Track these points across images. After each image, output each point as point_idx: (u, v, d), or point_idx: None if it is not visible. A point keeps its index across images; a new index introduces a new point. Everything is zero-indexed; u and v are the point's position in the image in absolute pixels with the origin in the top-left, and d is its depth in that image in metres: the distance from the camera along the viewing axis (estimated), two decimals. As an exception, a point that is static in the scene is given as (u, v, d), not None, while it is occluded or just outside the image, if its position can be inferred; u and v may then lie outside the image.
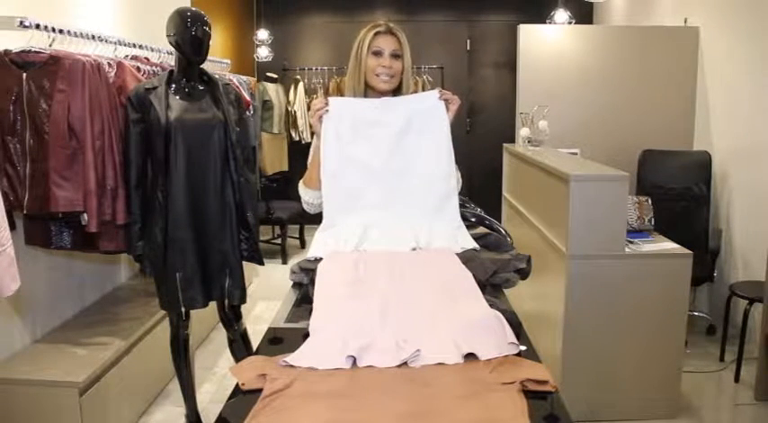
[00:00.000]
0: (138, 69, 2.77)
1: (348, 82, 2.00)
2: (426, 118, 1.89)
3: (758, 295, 3.13)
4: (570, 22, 5.21)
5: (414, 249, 1.81)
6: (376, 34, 1.92)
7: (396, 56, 1.92)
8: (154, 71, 2.89)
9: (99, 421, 2.57)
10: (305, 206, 2.03)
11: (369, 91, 1.98)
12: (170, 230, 2.45)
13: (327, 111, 1.88)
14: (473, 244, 1.85)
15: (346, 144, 1.88)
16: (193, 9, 2.49)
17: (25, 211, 2.40)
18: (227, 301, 2.63)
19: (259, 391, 1.17)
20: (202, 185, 2.47)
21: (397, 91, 1.98)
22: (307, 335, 1.37)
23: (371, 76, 1.94)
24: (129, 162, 2.46)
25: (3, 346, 2.60)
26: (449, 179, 1.92)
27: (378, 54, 1.92)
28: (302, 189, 2.01)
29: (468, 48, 6.87)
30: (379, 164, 1.88)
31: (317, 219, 2.00)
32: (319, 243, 1.86)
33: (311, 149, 2.03)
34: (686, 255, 2.90)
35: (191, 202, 2.46)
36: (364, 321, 1.37)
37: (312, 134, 2.04)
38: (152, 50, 3.17)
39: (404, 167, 1.89)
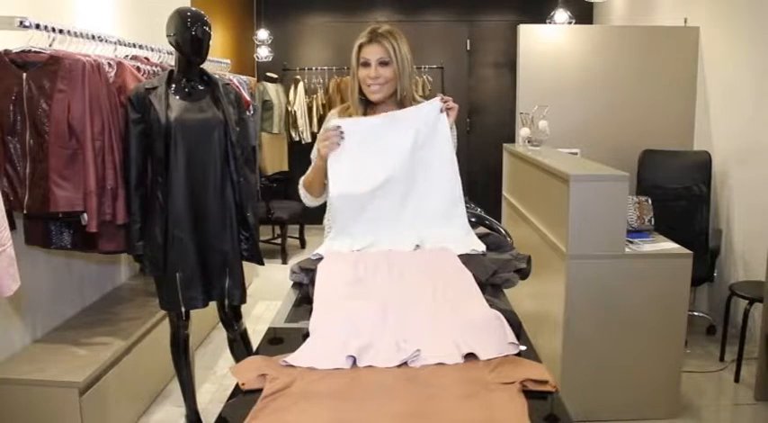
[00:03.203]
0: (138, 69, 2.77)
1: (350, 96, 2.03)
2: (430, 130, 1.91)
3: (758, 295, 3.13)
4: (570, 22, 5.21)
5: (417, 246, 1.82)
6: (360, 46, 1.93)
7: (383, 63, 1.91)
8: (154, 71, 2.89)
9: (99, 421, 2.57)
10: (303, 201, 2.08)
11: (367, 101, 2.00)
12: (170, 230, 2.45)
13: (339, 143, 1.88)
14: (482, 247, 1.85)
15: (355, 163, 1.89)
16: (193, 9, 2.49)
17: (25, 211, 2.40)
18: (227, 301, 2.63)
19: (259, 391, 1.17)
20: (202, 185, 2.47)
21: (394, 96, 1.98)
22: (307, 335, 1.37)
23: (364, 87, 1.96)
24: (129, 162, 2.46)
25: (3, 346, 2.60)
26: (454, 187, 1.93)
27: (365, 65, 1.93)
28: (302, 191, 2.05)
29: (468, 48, 6.87)
30: (386, 178, 1.89)
31: (317, 219, 2.00)
32: (324, 247, 1.88)
33: (314, 150, 2.02)
34: (686, 255, 2.90)
35: (191, 202, 2.46)
36: (364, 321, 1.37)
37: (312, 135, 2.05)
38: (152, 50, 3.18)
39: (410, 179, 1.90)
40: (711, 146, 4.16)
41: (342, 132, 1.88)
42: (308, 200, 2.04)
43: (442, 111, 1.91)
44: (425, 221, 1.90)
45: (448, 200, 1.93)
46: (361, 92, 1.97)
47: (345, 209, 1.90)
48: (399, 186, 1.89)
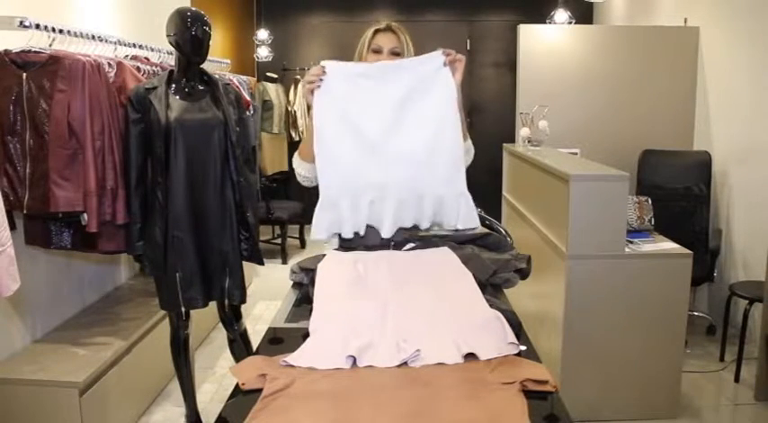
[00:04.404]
0: (138, 69, 2.77)
1: None
2: (429, 84, 1.77)
3: (758, 295, 3.13)
4: (570, 22, 5.21)
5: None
6: (376, 32, 1.94)
7: (395, 54, 1.92)
8: (154, 71, 2.89)
9: (99, 421, 2.57)
10: (299, 178, 1.95)
11: None
12: (170, 230, 2.44)
13: (320, 84, 1.78)
14: (475, 221, 1.80)
15: (341, 112, 1.78)
16: (193, 9, 2.50)
17: (25, 211, 2.40)
18: (227, 301, 2.63)
19: (259, 391, 1.17)
20: (202, 185, 2.47)
21: None
22: (307, 335, 1.37)
23: None
24: (129, 162, 2.46)
25: (3, 346, 2.60)
26: (454, 149, 1.80)
27: (377, 52, 1.92)
28: (296, 161, 1.94)
29: (468, 48, 6.87)
30: (378, 134, 1.77)
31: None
32: (320, 225, 1.79)
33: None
34: (686, 255, 2.90)
35: (191, 202, 2.46)
36: (364, 321, 1.37)
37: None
38: (152, 50, 3.17)
39: (406, 138, 1.78)
40: (711, 146, 4.16)
41: (324, 70, 1.79)
42: (302, 168, 1.91)
43: (445, 64, 1.79)
44: (421, 186, 1.79)
45: (447, 162, 1.79)
46: None
47: (332, 166, 1.78)
48: (394, 147, 1.77)
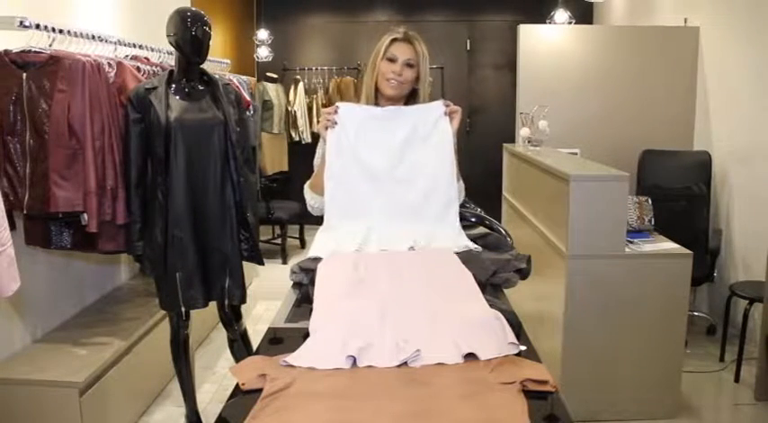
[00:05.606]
0: (138, 69, 2.77)
1: (363, 86, 2.04)
2: (430, 129, 1.93)
3: (758, 295, 3.13)
4: (570, 22, 5.21)
5: (412, 248, 1.82)
6: (393, 41, 1.95)
7: (409, 65, 1.94)
8: (154, 71, 2.89)
9: (99, 421, 2.57)
10: (309, 209, 2.05)
11: (379, 96, 2.00)
12: (170, 230, 2.45)
13: (336, 123, 1.92)
14: (473, 245, 1.86)
15: (350, 149, 1.92)
16: (193, 9, 2.50)
17: (25, 211, 2.41)
18: (227, 301, 2.63)
19: (259, 391, 1.17)
20: (202, 185, 2.47)
21: (409, 99, 2.00)
22: (307, 335, 1.37)
23: (382, 81, 1.96)
24: (129, 162, 2.46)
25: (3, 346, 2.60)
26: (449, 189, 1.94)
27: (392, 60, 1.94)
28: (308, 193, 2.04)
29: (468, 48, 6.87)
30: (381, 171, 1.92)
31: (317, 219, 2.00)
32: (319, 244, 1.87)
33: (317, 153, 2.03)
34: (686, 255, 2.90)
35: (191, 202, 2.46)
36: (364, 321, 1.37)
37: (313, 135, 2.06)
38: (152, 50, 3.17)
39: (406, 176, 1.92)
40: (711, 146, 4.16)
41: (337, 110, 1.92)
42: (314, 200, 2.01)
43: (445, 114, 1.93)
44: (418, 220, 1.91)
45: (442, 201, 1.93)
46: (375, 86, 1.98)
47: (337, 197, 1.92)
48: (395, 183, 1.91)
